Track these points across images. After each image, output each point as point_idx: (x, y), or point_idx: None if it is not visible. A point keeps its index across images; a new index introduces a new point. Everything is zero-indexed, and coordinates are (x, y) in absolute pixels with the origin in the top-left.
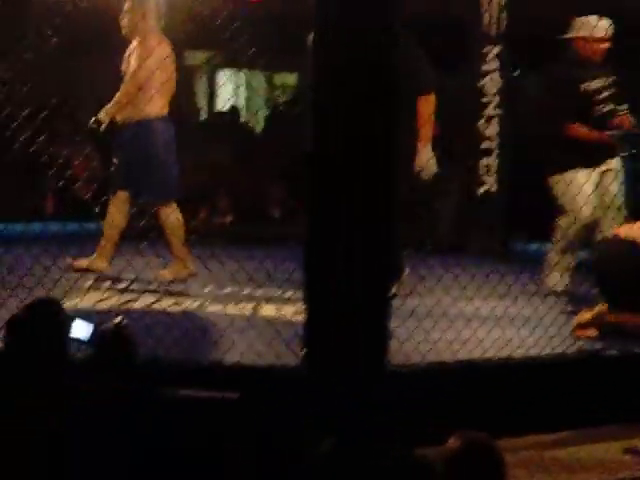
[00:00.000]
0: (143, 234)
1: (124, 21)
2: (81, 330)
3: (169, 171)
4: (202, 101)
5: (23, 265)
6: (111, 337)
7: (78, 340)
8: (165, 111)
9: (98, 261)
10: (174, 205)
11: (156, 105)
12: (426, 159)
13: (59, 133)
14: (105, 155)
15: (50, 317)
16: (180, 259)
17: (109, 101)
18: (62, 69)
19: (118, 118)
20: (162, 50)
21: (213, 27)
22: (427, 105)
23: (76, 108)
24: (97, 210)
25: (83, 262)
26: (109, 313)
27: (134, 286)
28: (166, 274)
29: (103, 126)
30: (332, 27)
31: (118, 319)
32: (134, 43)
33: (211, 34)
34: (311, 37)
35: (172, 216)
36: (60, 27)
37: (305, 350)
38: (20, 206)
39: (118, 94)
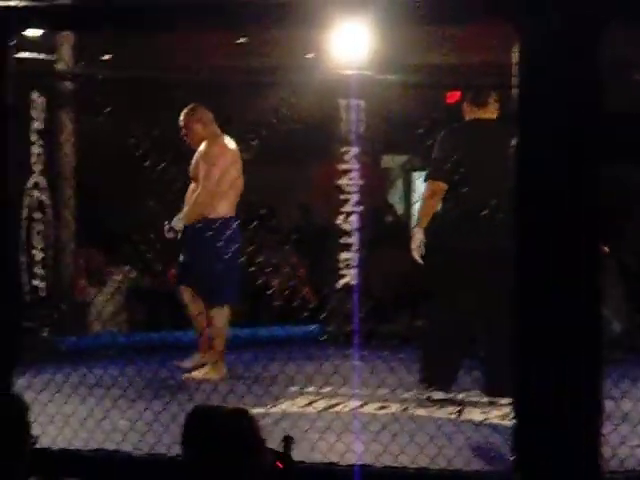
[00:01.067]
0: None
1: (187, 131)
2: None
3: (229, 274)
4: (397, 201)
5: (234, 370)
6: None
7: None
8: (232, 212)
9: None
10: (226, 309)
11: (224, 206)
12: None
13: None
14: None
15: None
16: (217, 360)
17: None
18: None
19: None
20: (230, 154)
21: (409, 132)
22: None
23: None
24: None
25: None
26: (318, 417)
27: (340, 390)
28: (197, 374)
29: (179, 234)
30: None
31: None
32: (201, 149)
33: (408, 139)
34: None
35: (220, 319)
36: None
37: (514, 455)
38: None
39: (193, 199)
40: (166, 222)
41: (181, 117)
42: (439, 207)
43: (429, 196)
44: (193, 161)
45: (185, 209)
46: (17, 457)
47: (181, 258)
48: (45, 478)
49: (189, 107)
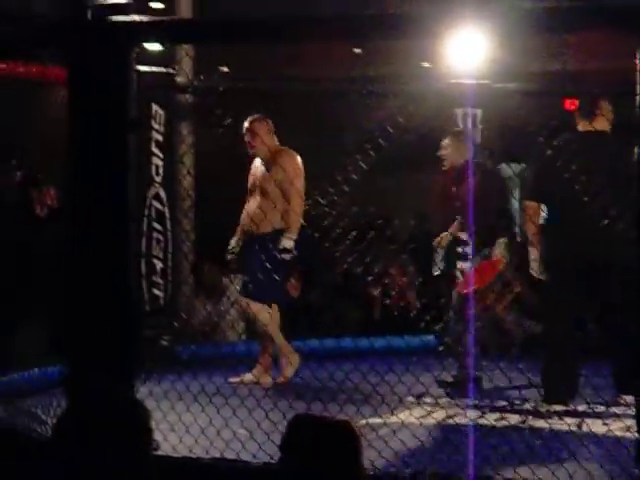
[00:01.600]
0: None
1: (253, 138)
2: None
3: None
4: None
5: (351, 380)
6: None
7: None
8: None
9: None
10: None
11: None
12: None
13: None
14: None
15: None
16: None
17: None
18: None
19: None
20: (299, 163)
21: (527, 140)
22: None
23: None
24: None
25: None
26: (436, 427)
27: (458, 401)
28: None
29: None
30: None
31: None
32: (280, 160)
33: (526, 147)
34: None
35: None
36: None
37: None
38: (342, 321)
39: (294, 211)
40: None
41: (248, 124)
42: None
43: (529, 218)
44: (260, 171)
45: (291, 226)
46: (142, 462)
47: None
48: None
49: (258, 116)
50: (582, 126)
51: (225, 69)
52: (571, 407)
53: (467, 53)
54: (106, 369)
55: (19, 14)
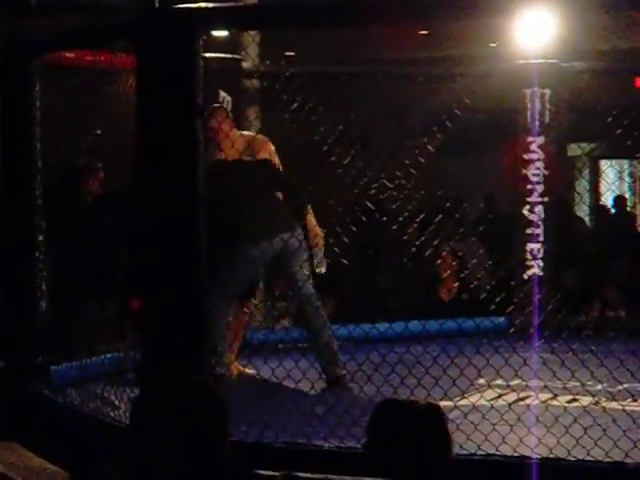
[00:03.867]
0: None
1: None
2: None
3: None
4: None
5: (421, 363)
6: None
7: None
8: None
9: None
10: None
11: None
12: None
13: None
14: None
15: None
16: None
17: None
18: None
19: None
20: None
21: (597, 120)
22: None
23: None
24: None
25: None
26: (508, 410)
27: (530, 383)
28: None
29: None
30: None
31: None
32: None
33: (595, 126)
34: None
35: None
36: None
37: None
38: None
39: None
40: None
41: (212, 114)
42: None
43: None
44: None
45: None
46: (221, 447)
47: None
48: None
49: (218, 105)
50: None
51: (291, 53)
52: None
53: (535, 32)
54: (181, 357)
55: (89, 3)
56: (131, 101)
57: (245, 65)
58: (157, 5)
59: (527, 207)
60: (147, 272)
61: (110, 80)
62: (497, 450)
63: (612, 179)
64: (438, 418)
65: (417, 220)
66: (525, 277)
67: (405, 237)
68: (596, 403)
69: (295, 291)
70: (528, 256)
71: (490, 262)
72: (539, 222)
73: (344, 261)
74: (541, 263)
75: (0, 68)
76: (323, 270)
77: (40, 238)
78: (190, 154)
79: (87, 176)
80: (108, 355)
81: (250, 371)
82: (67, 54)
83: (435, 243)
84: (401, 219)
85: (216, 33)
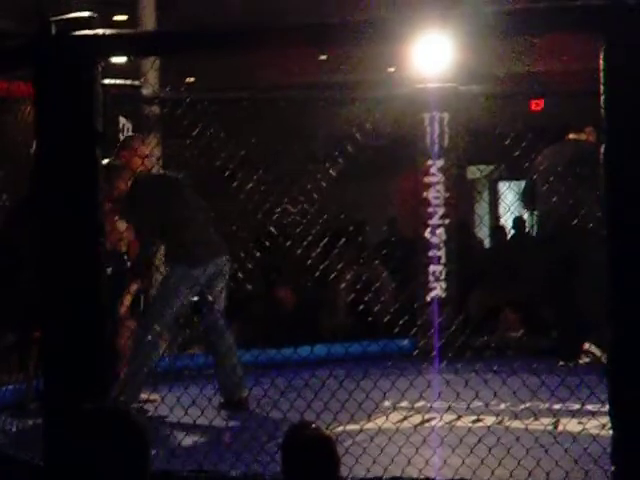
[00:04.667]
0: None
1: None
2: None
3: None
4: (483, 213)
5: (328, 387)
6: None
7: None
8: None
9: None
10: None
11: None
12: None
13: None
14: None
15: None
16: None
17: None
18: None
19: None
20: None
21: (495, 142)
22: None
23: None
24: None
25: None
26: (413, 432)
27: (435, 404)
28: None
29: None
30: None
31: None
32: None
33: (493, 149)
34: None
35: None
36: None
37: (614, 467)
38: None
39: None
40: None
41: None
42: None
43: None
44: None
45: None
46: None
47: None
48: None
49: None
50: None
51: (191, 79)
52: (546, 406)
53: (433, 57)
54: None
55: None
56: (28, 130)
57: (145, 92)
58: (54, 32)
59: (428, 230)
60: (45, 298)
61: (6, 109)
62: (403, 472)
63: (511, 200)
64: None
65: (321, 244)
66: (428, 299)
67: (309, 261)
68: (500, 422)
69: (205, 315)
70: (430, 278)
71: (393, 285)
72: (441, 244)
73: (248, 286)
74: (444, 285)
75: None
76: None
77: None
78: (89, 182)
79: None
80: (9, 386)
81: (154, 397)
82: None
83: (339, 267)
84: (305, 243)
85: (115, 59)
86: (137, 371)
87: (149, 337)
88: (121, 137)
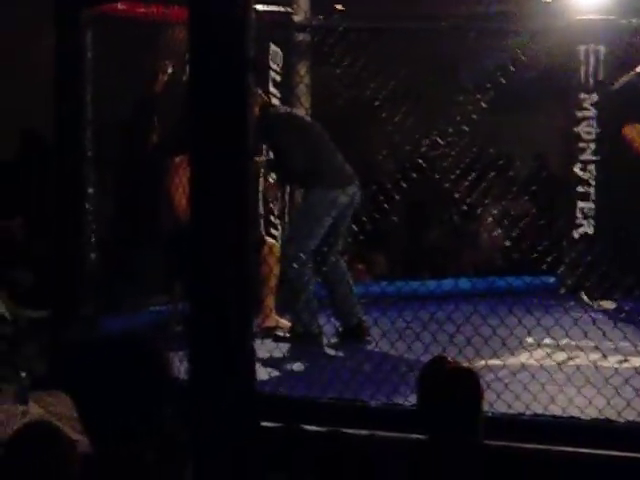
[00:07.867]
0: None
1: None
2: None
3: None
4: None
5: (471, 322)
6: None
7: None
8: None
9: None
10: None
11: None
12: None
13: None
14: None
15: None
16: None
17: None
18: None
19: None
20: None
21: None
22: None
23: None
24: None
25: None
26: (557, 370)
27: (580, 343)
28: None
29: None
30: None
31: None
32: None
33: None
34: None
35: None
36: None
37: None
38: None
39: None
40: None
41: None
42: None
43: None
44: None
45: None
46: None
47: None
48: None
49: None
50: None
51: (340, 7)
52: None
53: None
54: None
55: None
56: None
57: (296, 18)
58: None
59: (579, 165)
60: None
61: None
62: (546, 410)
63: None
64: (476, 380)
65: (469, 178)
66: (576, 236)
67: (456, 195)
68: None
69: (329, 245)
70: (579, 215)
71: (541, 221)
72: (591, 180)
73: (394, 218)
74: (592, 222)
75: (54, 18)
76: None
77: (90, 190)
78: (240, 107)
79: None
80: (156, 307)
81: (286, 323)
82: (119, 5)
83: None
84: (452, 177)
85: None
86: (295, 302)
87: (295, 266)
88: (271, 64)
